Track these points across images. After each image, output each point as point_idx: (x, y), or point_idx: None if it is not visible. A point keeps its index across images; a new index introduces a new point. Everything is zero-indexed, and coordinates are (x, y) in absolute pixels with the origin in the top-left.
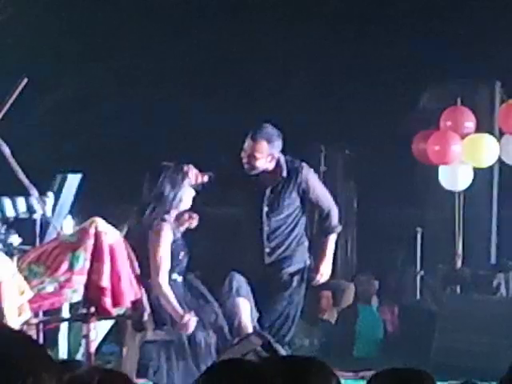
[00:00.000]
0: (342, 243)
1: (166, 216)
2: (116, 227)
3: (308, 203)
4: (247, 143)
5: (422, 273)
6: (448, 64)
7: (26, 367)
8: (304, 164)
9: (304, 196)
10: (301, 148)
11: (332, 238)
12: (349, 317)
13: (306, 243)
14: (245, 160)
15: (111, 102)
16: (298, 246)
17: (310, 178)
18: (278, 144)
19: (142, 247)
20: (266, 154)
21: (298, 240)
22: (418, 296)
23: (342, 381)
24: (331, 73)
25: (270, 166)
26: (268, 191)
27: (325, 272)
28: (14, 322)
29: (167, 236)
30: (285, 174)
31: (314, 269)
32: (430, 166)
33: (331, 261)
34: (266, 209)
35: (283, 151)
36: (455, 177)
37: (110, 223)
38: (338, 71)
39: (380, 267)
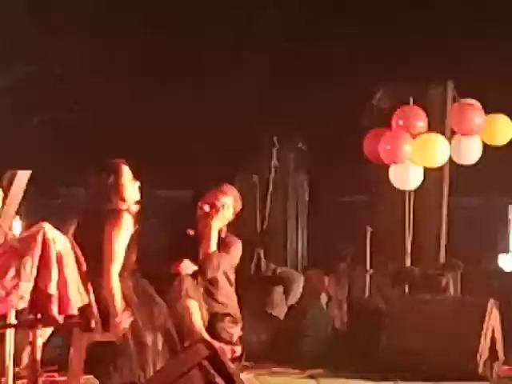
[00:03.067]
0: (291, 235)
1: (125, 206)
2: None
3: None
4: None
5: (372, 271)
6: (401, 63)
7: None
8: None
9: None
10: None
11: None
12: (298, 312)
13: None
14: None
15: None
16: None
17: None
18: None
19: (93, 238)
20: None
21: None
22: (367, 293)
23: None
24: (286, 66)
25: None
26: None
27: None
28: None
29: (127, 228)
30: None
31: None
32: (382, 164)
33: None
34: None
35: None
36: (406, 176)
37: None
38: (293, 66)
39: (329, 263)
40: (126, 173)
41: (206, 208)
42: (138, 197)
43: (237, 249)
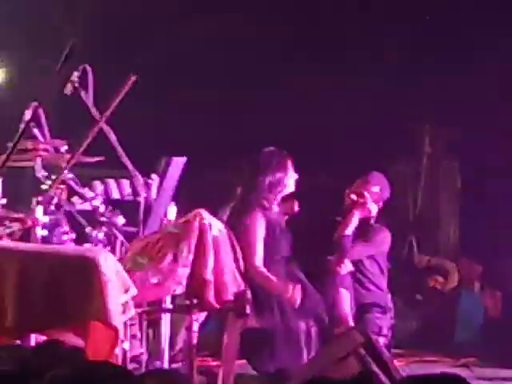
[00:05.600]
0: (444, 223)
1: (263, 201)
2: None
3: None
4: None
5: None
6: None
7: None
8: None
9: None
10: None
11: None
12: (451, 300)
13: None
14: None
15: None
16: None
17: None
18: None
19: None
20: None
21: None
22: None
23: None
24: (437, 56)
25: None
26: None
27: None
28: (118, 320)
29: (260, 222)
30: None
31: None
32: None
33: None
34: None
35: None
36: None
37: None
38: (447, 56)
39: (483, 251)
40: (292, 170)
41: (353, 197)
42: (293, 189)
43: (382, 237)
